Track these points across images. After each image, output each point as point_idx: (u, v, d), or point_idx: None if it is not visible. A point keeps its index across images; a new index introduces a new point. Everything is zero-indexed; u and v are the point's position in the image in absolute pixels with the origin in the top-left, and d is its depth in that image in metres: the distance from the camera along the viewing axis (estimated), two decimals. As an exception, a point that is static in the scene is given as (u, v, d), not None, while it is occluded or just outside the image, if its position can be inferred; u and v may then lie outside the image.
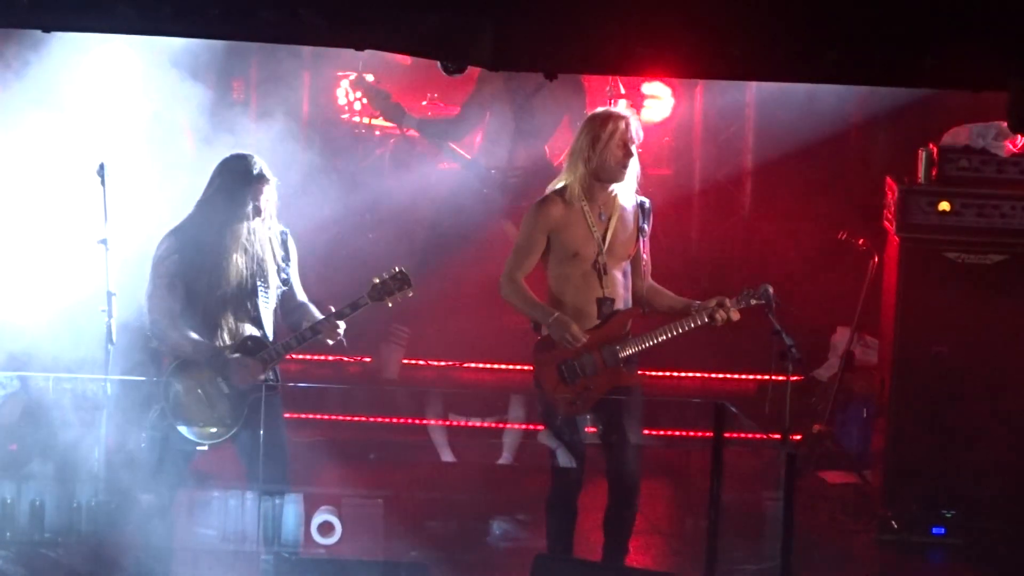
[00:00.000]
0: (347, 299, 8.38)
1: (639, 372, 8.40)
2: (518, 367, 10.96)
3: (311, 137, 10.22)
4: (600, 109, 8.40)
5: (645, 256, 8.33)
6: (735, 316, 8.16)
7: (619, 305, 8.26)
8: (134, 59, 9.49)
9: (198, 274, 8.24)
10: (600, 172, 8.17)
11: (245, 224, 8.24)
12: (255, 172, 8.22)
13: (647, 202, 8.33)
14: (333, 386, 10.37)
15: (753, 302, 8.25)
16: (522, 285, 8.27)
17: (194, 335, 8.22)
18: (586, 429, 10.87)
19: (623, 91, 12.48)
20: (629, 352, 8.24)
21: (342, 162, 11.38)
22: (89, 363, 8.65)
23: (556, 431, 8.38)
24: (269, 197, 8.28)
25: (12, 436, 8.89)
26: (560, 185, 8.29)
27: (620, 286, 8.29)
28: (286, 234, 8.44)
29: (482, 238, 10.58)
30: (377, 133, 12.50)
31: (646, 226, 8.29)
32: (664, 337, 8.24)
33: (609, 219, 8.23)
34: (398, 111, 10.88)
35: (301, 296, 8.50)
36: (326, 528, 8.98)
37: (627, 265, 8.31)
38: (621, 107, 8.29)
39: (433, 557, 8.94)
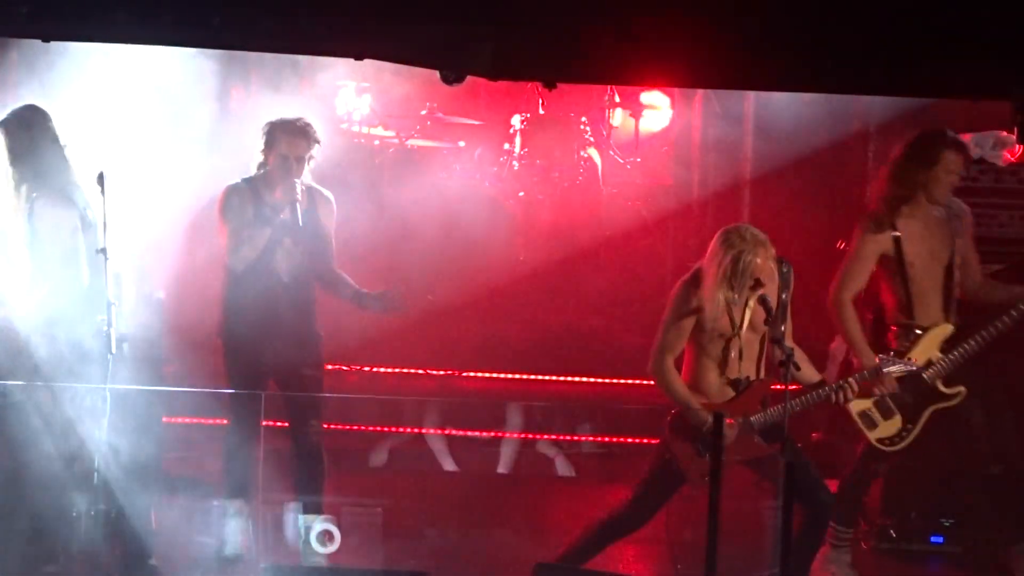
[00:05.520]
0: (344, 309, 8.45)
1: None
2: (517, 376, 10.97)
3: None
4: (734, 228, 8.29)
5: (784, 327, 8.23)
6: (852, 396, 8.37)
7: (753, 375, 8.30)
8: (133, 67, 9.49)
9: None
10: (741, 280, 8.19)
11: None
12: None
13: (788, 268, 8.34)
14: (332, 396, 10.34)
15: (893, 370, 8.53)
16: (674, 371, 8.29)
17: None
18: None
19: (618, 99, 12.52)
20: (763, 423, 8.26)
21: (341, 172, 11.38)
22: (89, 372, 8.63)
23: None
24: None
25: (11, 447, 8.85)
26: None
27: (757, 356, 8.33)
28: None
29: (482, 246, 10.58)
30: (376, 143, 12.52)
31: (785, 295, 8.28)
32: (799, 409, 8.31)
33: (748, 297, 8.25)
34: None
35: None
36: (325, 537, 8.99)
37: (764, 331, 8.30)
38: (757, 235, 8.27)
39: (432, 566, 8.93)
